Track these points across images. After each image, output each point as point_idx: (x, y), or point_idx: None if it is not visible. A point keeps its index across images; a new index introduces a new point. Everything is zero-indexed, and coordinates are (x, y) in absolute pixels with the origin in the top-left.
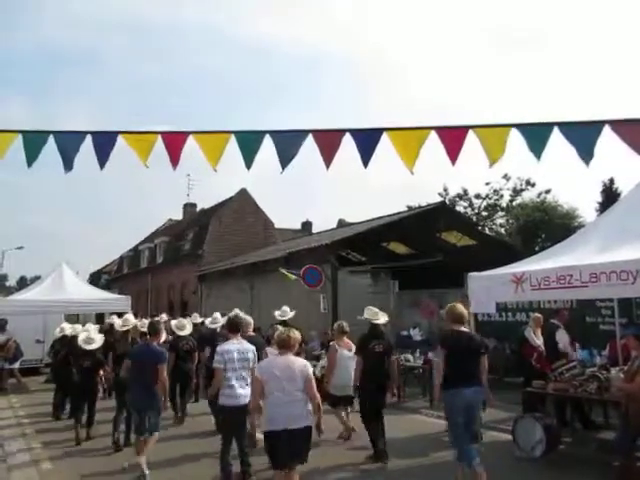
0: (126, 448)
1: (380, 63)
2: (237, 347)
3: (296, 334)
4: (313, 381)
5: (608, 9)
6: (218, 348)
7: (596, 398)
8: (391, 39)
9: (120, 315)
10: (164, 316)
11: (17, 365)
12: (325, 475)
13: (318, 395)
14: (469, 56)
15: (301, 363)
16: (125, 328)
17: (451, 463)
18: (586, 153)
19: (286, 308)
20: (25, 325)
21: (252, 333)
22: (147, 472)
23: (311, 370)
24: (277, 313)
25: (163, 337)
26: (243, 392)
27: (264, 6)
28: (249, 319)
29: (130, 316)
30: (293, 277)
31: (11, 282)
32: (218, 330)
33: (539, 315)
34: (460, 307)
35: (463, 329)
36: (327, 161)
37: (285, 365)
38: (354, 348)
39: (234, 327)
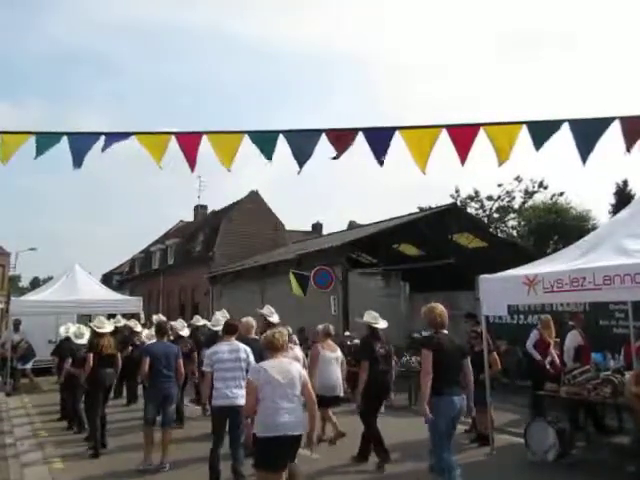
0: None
1: (389, 63)
2: (227, 348)
3: (283, 333)
4: (310, 385)
5: (615, 10)
6: (207, 351)
7: (610, 402)
8: (399, 39)
9: (132, 317)
10: (162, 317)
11: (30, 365)
12: None
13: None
14: (478, 58)
15: (298, 367)
16: (101, 330)
17: (466, 465)
18: (586, 149)
19: (272, 309)
20: (38, 325)
21: (255, 336)
22: (167, 465)
23: (306, 373)
24: (265, 312)
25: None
26: (235, 392)
27: (271, 7)
28: (251, 321)
29: (104, 318)
30: (299, 291)
31: (24, 283)
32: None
33: (548, 316)
34: (441, 308)
35: (444, 332)
36: (339, 153)
37: (285, 369)
38: (338, 351)
39: (229, 330)
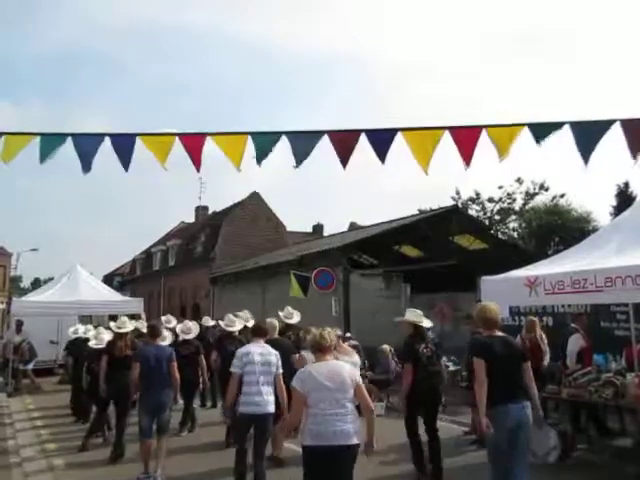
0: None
1: (390, 63)
2: (259, 350)
3: (332, 333)
4: (364, 388)
5: (615, 12)
6: (237, 351)
7: (612, 404)
8: (400, 40)
9: (134, 318)
10: (171, 318)
11: (31, 366)
12: None
13: (372, 405)
14: (484, 58)
15: (349, 368)
16: (122, 330)
17: (465, 467)
18: (587, 151)
19: (291, 310)
20: (39, 326)
21: (276, 336)
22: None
23: (358, 375)
24: (281, 314)
25: (168, 340)
26: (264, 399)
27: (273, 9)
28: (274, 323)
29: (126, 318)
30: (298, 292)
31: (25, 284)
32: (236, 334)
33: (532, 319)
34: (493, 306)
35: (498, 334)
36: (344, 162)
37: (335, 372)
38: (355, 355)
39: (260, 332)
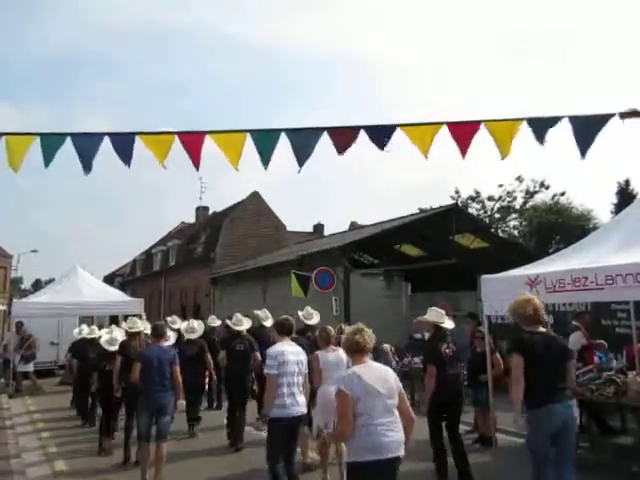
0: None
1: (390, 64)
2: (290, 349)
3: (369, 332)
4: (405, 395)
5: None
6: (270, 350)
7: (613, 402)
8: (400, 40)
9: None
10: (176, 319)
11: (31, 367)
12: None
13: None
14: (483, 58)
15: (392, 372)
16: (134, 330)
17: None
18: (585, 143)
19: (311, 310)
20: (40, 327)
21: (294, 335)
22: None
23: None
24: (301, 314)
25: (172, 340)
26: (301, 400)
27: (273, 9)
28: (292, 321)
29: (136, 319)
30: (299, 292)
31: (26, 285)
32: (243, 333)
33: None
34: (533, 302)
35: (541, 330)
36: (341, 150)
37: (382, 377)
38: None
39: (287, 329)
